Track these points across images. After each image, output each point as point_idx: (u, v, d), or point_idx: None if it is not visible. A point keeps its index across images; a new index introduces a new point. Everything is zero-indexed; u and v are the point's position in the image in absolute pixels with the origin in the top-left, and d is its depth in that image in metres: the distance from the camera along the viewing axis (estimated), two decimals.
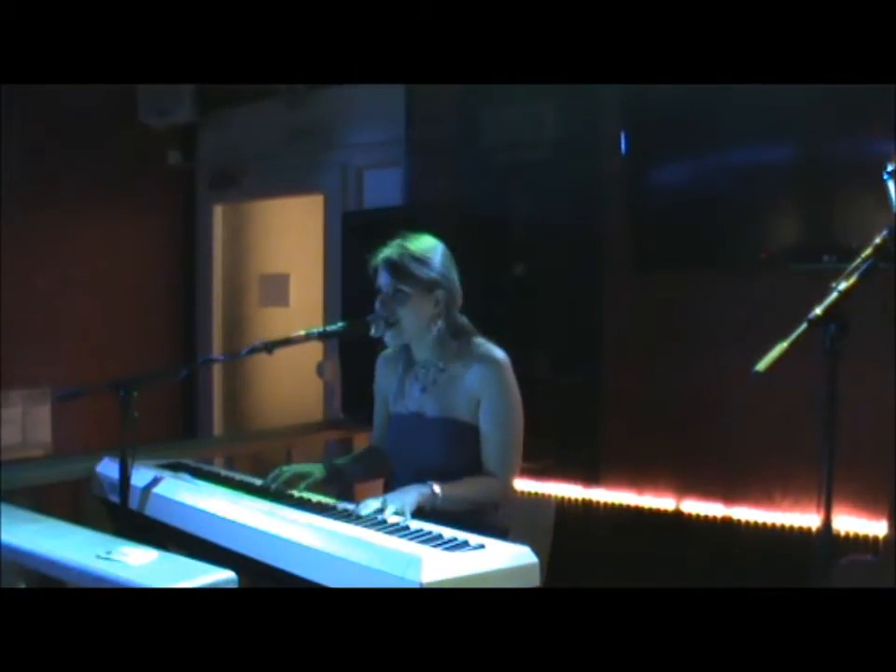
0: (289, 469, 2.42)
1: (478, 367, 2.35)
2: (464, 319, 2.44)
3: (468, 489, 2.30)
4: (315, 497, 2.31)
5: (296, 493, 2.35)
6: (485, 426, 2.35)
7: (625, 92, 3.50)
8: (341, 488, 2.35)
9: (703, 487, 3.43)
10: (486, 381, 2.34)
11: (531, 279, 3.85)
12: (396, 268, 2.34)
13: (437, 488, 2.22)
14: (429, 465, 2.33)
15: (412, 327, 2.38)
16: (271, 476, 2.41)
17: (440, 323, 2.38)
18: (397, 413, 2.50)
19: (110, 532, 2.16)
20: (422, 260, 2.36)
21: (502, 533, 2.25)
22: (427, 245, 2.39)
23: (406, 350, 2.48)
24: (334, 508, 2.18)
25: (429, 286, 2.36)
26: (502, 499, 2.39)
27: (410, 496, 2.18)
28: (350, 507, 2.19)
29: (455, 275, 2.42)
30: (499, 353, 2.38)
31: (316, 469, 2.43)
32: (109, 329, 4.99)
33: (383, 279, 2.37)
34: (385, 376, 2.57)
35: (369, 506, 2.12)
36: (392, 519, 2.07)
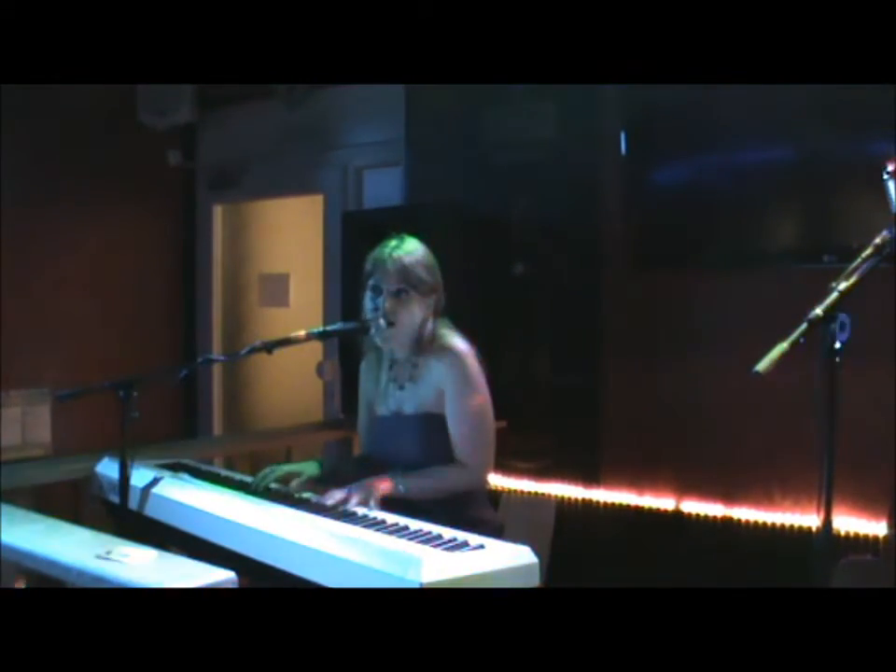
0: (279, 469, 2.42)
1: (436, 360, 2.39)
2: (444, 321, 2.46)
3: (434, 478, 2.33)
4: (315, 497, 2.31)
5: (295, 493, 2.34)
6: (449, 416, 2.37)
7: (625, 92, 3.51)
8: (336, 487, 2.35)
9: (703, 487, 3.43)
10: (446, 371, 2.37)
11: (531, 279, 3.85)
12: (404, 270, 2.36)
13: (400, 479, 2.27)
14: (411, 461, 2.35)
15: (407, 328, 2.39)
16: (259, 475, 2.41)
17: (429, 325, 2.40)
18: (379, 415, 2.52)
19: (110, 532, 2.16)
20: (425, 265, 2.40)
21: (496, 530, 2.26)
22: (424, 251, 2.44)
23: (386, 351, 2.50)
24: (333, 508, 2.18)
25: (428, 290, 2.40)
26: (474, 488, 2.40)
27: (374, 487, 2.23)
28: (315, 498, 2.25)
29: (441, 281, 2.46)
30: (459, 342, 2.41)
31: (309, 468, 2.43)
32: (109, 329, 4.99)
33: (384, 279, 2.38)
34: (367, 381, 2.60)
35: (333, 496, 2.19)
36: (357, 510, 2.12)
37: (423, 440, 2.38)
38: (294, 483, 2.37)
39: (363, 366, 2.62)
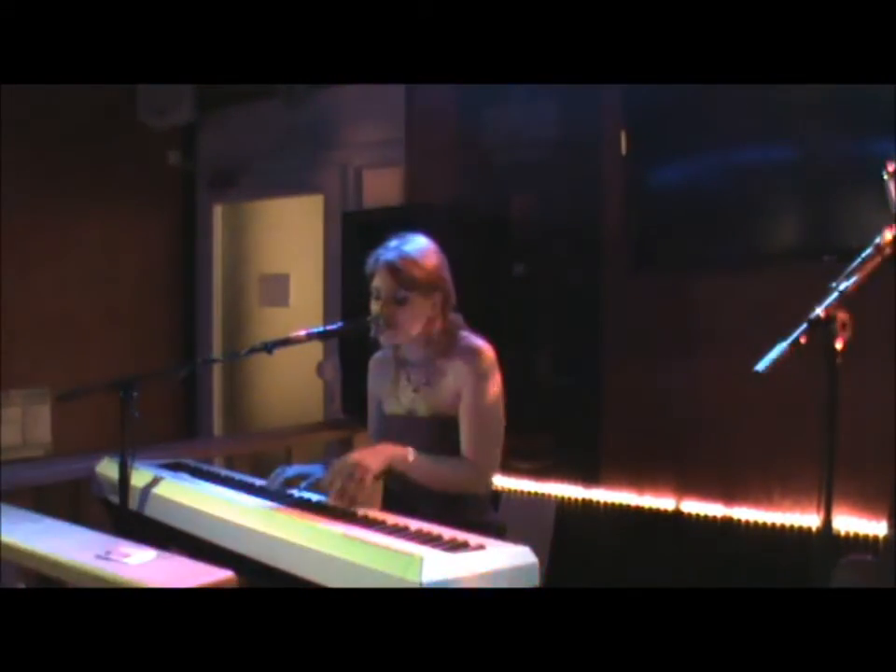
0: (291, 470, 2.42)
1: (459, 361, 2.37)
2: (458, 318, 2.45)
3: (442, 465, 2.31)
4: (315, 498, 2.31)
5: (295, 493, 2.35)
6: (462, 416, 2.35)
7: (625, 92, 3.51)
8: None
9: (703, 487, 3.43)
10: (466, 372, 2.35)
11: (531, 279, 3.85)
12: (396, 271, 2.34)
13: (411, 455, 2.25)
14: None
15: (410, 329, 2.38)
16: (272, 476, 2.41)
17: (437, 324, 2.39)
18: (390, 414, 2.51)
19: (110, 532, 2.16)
20: (421, 264, 2.36)
21: (499, 531, 2.25)
22: (425, 248, 2.40)
23: (396, 350, 2.49)
24: (333, 508, 2.18)
25: (428, 289, 2.37)
26: (475, 490, 2.37)
27: (380, 455, 2.23)
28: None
29: (449, 276, 2.43)
30: (481, 344, 2.39)
31: (317, 470, 2.43)
32: (109, 328, 4.99)
33: (381, 282, 2.37)
34: (377, 378, 2.58)
35: (333, 465, 2.19)
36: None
37: (434, 442, 2.36)
38: (303, 485, 2.37)
39: (374, 361, 2.60)
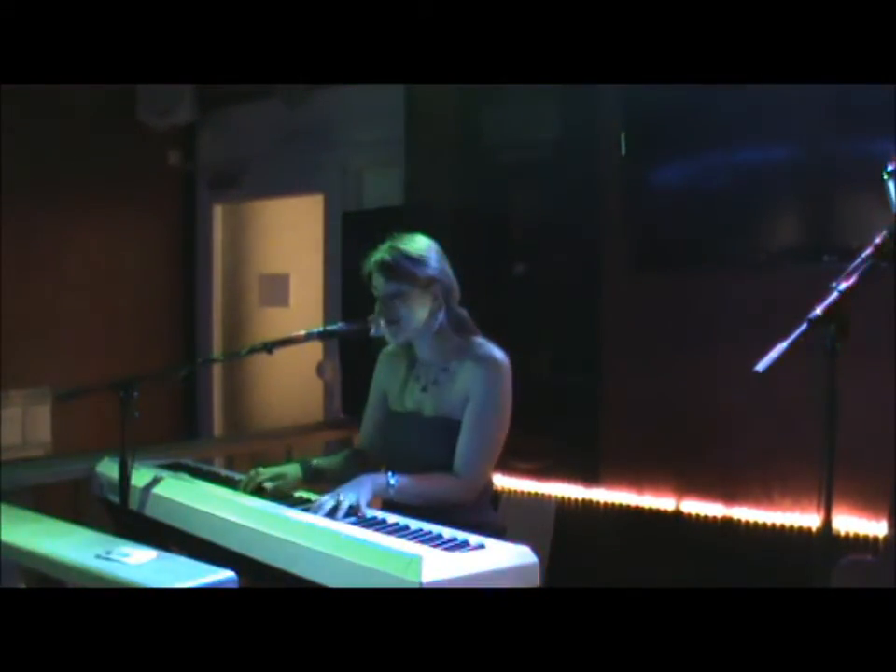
0: (265, 472, 2.39)
1: (473, 366, 2.34)
2: (464, 313, 2.44)
3: (426, 484, 2.27)
4: (315, 498, 2.31)
5: (295, 493, 2.34)
6: (464, 422, 2.32)
7: (625, 92, 3.51)
8: (320, 488, 2.32)
9: (703, 487, 3.43)
10: (477, 380, 2.32)
11: (531, 279, 3.85)
12: (391, 269, 2.34)
13: (392, 479, 2.21)
14: (419, 463, 2.31)
15: (414, 324, 2.37)
16: (246, 478, 2.38)
17: (440, 316, 2.37)
18: (395, 412, 2.49)
19: (110, 532, 2.16)
20: (415, 258, 2.35)
21: (499, 532, 2.25)
22: (418, 244, 2.39)
23: (409, 348, 2.48)
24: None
25: (426, 282, 2.35)
26: (463, 500, 2.32)
27: (364, 487, 2.17)
28: (315, 499, 2.19)
29: (449, 269, 2.41)
30: (498, 353, 2.37)
31: (292, 470, 2.41)
32: (109, 328, 4.99)
33: (379, 282, 2.37)
34: (386, 373, 2.56)
35: (323, 507, 2.09)
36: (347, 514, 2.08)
37: (438, 444, 2.34)
38: (271, 486, 2.35)
39: (385, 354, 2.58)
